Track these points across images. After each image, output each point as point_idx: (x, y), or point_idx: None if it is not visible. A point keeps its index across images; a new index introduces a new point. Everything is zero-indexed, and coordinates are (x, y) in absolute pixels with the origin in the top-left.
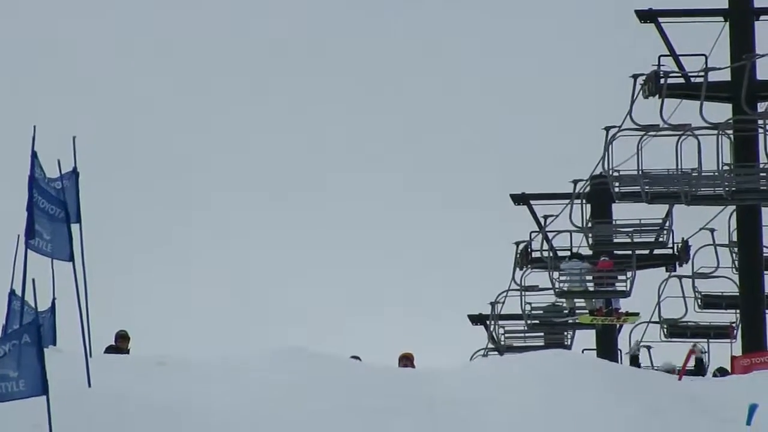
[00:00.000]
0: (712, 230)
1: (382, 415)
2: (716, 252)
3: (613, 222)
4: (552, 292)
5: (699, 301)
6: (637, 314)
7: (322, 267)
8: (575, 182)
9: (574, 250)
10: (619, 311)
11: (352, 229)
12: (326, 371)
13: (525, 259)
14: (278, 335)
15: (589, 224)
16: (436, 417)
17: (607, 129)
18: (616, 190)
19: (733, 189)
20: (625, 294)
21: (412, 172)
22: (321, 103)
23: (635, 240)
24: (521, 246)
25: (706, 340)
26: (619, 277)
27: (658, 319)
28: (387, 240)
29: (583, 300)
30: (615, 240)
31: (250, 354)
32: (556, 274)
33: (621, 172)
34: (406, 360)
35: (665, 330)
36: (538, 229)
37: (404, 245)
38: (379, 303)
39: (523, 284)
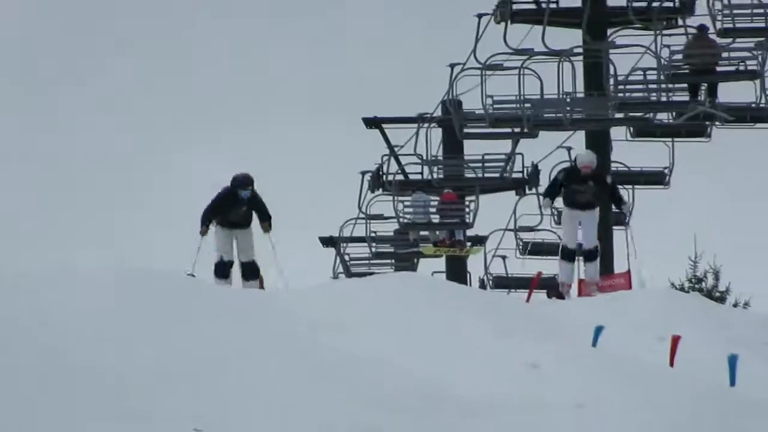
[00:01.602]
0: (569, 148)
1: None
2: (538, 199)
3: (462, 156)
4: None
5: (521, 247)
6: (480, 248)
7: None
8: (420, 116)
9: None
10: (462, 242)
11: (205, 144)
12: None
13: (377, 183)
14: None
15: (438, 158)
16: (299, 339)
17: (452, 66)
18: (461, 124)
19: (574, 117)
20: (468, 225)
21: (265, 87)
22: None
23: (479, 176)
24: (373, 169)
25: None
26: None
27: (513, 230)
28: (242, 156)
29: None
30: (463, 175)
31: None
32: (400, 206)
33: (466, 110)
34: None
35: (491, 282)
36: (389, 153)
37: (261, 163)
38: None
39: (368, 212)
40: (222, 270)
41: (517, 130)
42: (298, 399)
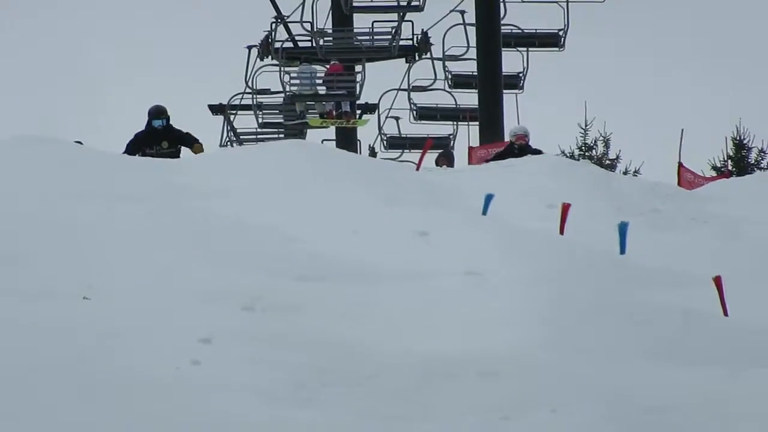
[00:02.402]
0: (462, 12)
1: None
2: (433, 64)
3: (351, 29)
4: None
5: (414, 113)
6: (368, 118)
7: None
8: None
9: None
10: (349, 113)
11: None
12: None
13: (266, 50)
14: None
15: (325, 29)
16: (180, 206)
17: None
18: None
19: None
20: (356, 97)
21: None
22: None
23: (366, 48)
24: (260, 39)
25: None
26: (350, 80)
27: (406, 90)
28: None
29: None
30: (350, 46)
31: None
32: (287, 78)
33: None
34: None
35: (385, 142)
36: (277, 20)
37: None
38: (113, 90)
39: (255, 85)
40: None
41: (403, 3)
42: (180, 265)
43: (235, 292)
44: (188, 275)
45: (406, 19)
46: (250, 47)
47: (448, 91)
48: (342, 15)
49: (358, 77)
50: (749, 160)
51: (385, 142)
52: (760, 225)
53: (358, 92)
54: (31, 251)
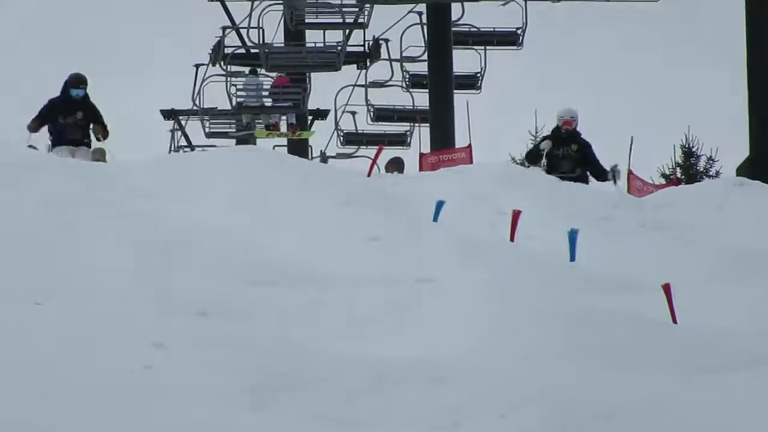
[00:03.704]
0: (386, 41)
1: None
2: (391, 64)
3: (300, 43)
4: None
5: (372, 114)
6: (312, 132)
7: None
8: None
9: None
10: (295, 126)
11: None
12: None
13: (217, 56)
14: None
15: (273, 44)
16: (124, 210)
17: None
18: (292, 14)
19: None
20: (301, 110)
21: None
22: None
23: (311, 63)
24: (214, 44)
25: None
26: (295, 93)
27: (363, 86)
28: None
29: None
30: (293, 63)
31: None
32: (233, 89)
33: None
34: None
35: (342, 138)
36: (230, 25)
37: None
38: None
39: (202, 99)
40: None
41: (349, 20)
42: (138, 270)
43: (189, 297)
44: (142, 280)
45: (359, 22)
46: (197, 65)
47: (406, 90)
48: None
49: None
50: (698, 168)
51: (341, 138)
52: (708, 232)
53: (303, 106)
54: None
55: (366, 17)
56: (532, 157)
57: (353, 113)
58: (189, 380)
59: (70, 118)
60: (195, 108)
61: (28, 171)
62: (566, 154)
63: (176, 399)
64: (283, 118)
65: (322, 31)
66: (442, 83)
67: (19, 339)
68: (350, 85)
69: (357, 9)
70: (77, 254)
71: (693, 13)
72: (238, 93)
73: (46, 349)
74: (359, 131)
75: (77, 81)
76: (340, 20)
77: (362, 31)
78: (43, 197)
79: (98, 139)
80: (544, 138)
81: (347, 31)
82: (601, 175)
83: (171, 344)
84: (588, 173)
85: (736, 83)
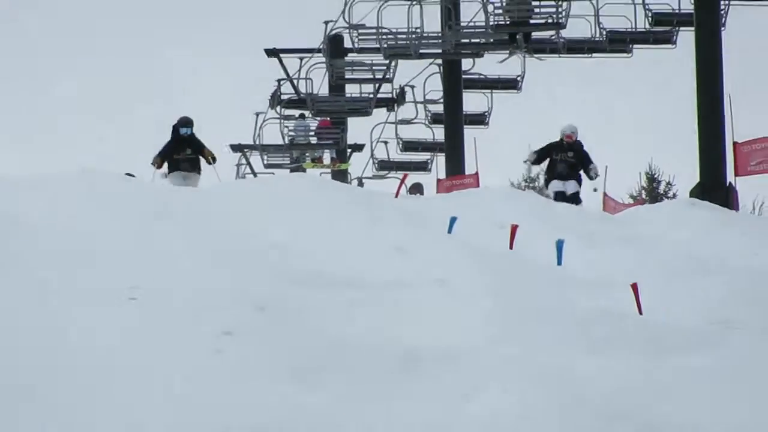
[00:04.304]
0: (412, 87)
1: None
2: (416, 105)
3: (336, 95)
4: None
5: (400, 145)
6: (349, 164)
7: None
8: (326, 23)
9: (318, 93)
10: (335, 159)
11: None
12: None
13: (275, 101)
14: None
15: (317, 94)
16: (207, 225)
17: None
18: (356, 39)
19: (453, 44)
20: (339, 146)
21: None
22: None
23: (347, 109)
24: (272, 91)
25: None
26: (335, 133)
27: (393, 123)
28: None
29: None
30: (348, 76)
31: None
32: (286, 130)
33: (360, 30)
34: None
35: (376, 165)
36: (286, 77)
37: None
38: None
39: (261, 141)
40: None
41: (379, 76)
42: (212, 273)
43: (251, 296)
44: (215, 281)
45: (386, 78)
46: (258, 113)
47: (428, 126)
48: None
49: (343, 132)
50: (659, 191)
51: (376, 165)
52: (667, 242)
53: (342, 143)
54: (90, 260)
55: (392, 73)
56: (537, 158)
57: (385, 142)
58: (250, 362)
59: (182, 154)
60: (255, 144)
61: (126, 194)
62: (563, 160)
63: (240, 377)
64: (326, 152)
65: (357, 84)
66: (454, 120)
67: (117, 328)
68: (382, 123)
69: (385, 66)
70: (167, 260)
71: (659, 66)
72: (289, 133)
73: (138, 335)
74: (390, 160)
75: (185, 122)
76: (371, 76)
77: (390, 83)
78: (136, 213)
79: (209, 163)
80: (550, 145)
81: (377, 85)
82: (588, 169)
83: (237, 333)
84: (580, 175)
85: (691, 123)
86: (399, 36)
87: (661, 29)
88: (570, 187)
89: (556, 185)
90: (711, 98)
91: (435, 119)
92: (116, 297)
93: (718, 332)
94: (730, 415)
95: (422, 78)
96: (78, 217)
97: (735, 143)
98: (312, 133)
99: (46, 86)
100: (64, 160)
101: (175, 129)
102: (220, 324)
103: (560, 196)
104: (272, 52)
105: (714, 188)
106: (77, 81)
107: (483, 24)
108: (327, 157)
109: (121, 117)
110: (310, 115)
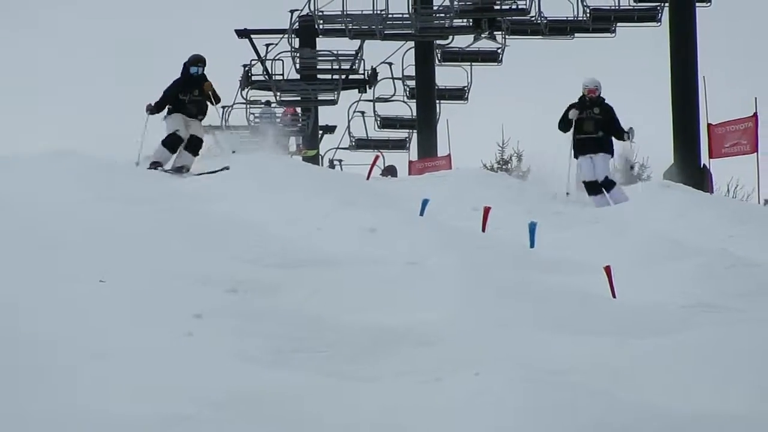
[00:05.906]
0: (390, 64)
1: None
2: (393, 82)
3: (302, 81)
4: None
5: (378, 122)
6: (315, 151)
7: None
8: (292, 12)
9: (287, 76)
10: (300, 146)
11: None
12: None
13: (246, 81)
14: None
15: (282, 80)
16: (181, 207)
17: None
18: (321, 27)
19: (418, 27)
20: (305, 133)
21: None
22: None
23: (313, 98)
24: (242, 73)
25: (386, 150)
26: (301, 120)
27: (371, 101)
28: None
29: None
30: (318, 66)
31: None
32: (252, 116)
33: (325, 12)
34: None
35: (353, 142)
36: (257, 58)
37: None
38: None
39: (228, 123)
40: (173, 142)
41: (346, 65)
42: (182, 255)
43: (222, 278)
44: (184, 263)
45: (353, 68)
46: (224, 108)
47: (405, 102)
48: (310, 44)
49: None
50: (633, 173)
51: (353, 142)
52: (641, 223)
53: (308, 130)
54: (62, 242)
55: (360, 57)
56: (564, 124)
57: (362, 113)
58: (222, 344)
59: (189, 95)
60: (222, 128)
61: (101, 174)
62: (590, 117)
63: (211, 359)
64: (292, 139)
65: (326, 74)
66: (428, 106)
67: (85, 310)
68: (357, 101)
69: (352, 56)
70: (136, 242)
71: (634, 45)
72: (255, 120)
73: (106, 318)
74: (369, 138)
75: (196, 60)
76: (338, 67)
77: (360, 65)
78: (111, 195)
79: (211, 103)
80: (572, 106)
81: (342, 75)
82: (620, 134)
83: (207, 315)
84: (610, 135)
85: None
86: (363, 19)
87: (645, 5)
88: (600, 168)
89: (585, 170)
90: (686, 79)
91: (413, 95)
92: (85, 279)
93: (690, 315)
94: (693, 397)
95: (400, 54)
96: (51, 198)
97: (709, 125)
98: (278, 120)
99: (28, 64)
100: (43, 141)
101: (185, 67)
102: (191, 307)
103: (592, 188)
104: (243, 33)
105: (688, 170)
106: (53, 57)
107: (448, 8)
108: (293, 143)
109: (91, 97)
110: (276, 104)
